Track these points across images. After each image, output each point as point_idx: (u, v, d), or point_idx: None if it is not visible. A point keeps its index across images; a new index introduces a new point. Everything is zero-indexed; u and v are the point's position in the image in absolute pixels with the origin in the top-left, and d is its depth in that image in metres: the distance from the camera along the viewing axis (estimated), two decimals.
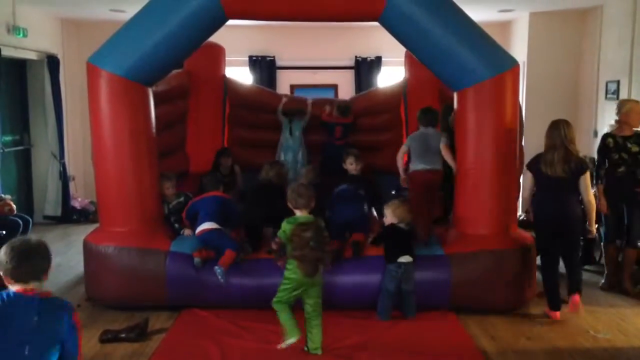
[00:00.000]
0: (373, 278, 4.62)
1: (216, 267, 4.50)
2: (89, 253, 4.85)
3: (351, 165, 5.73)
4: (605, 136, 5.36)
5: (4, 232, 5.60)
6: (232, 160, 6.56)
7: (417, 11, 4.56)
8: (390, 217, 4.68)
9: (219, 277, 4.49)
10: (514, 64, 4.75)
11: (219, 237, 4.71)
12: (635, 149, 5.18)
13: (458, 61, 4.64)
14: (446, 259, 4.67)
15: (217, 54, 7.12)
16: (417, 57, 5.15)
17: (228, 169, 6.50)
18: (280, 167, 5.64)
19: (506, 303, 4.73)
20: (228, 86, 7.20)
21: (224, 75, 7.29)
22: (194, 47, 4.97)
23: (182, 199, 5.42)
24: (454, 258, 4.66)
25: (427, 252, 4.75)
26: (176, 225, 5.25)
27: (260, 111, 7.21)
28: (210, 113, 7.00)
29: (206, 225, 4.74)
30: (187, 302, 4.72)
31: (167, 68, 5.02)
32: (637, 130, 5.28)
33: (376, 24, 4.97)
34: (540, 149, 4.72)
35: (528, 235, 4.93)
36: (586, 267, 5.97)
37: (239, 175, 6.60)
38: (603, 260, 5.76)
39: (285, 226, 3.98)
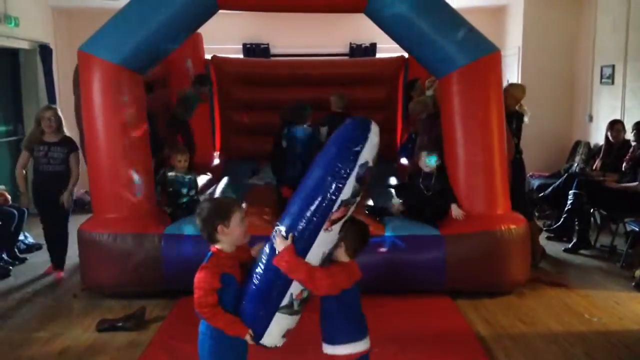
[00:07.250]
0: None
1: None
2: (84, 241, 4.82)
3: None
4: None
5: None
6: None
7: (399, 2, 4.66)
8: None
9: None
10: (493, 49, 4.89)
11: None
12: None
13: (439, 49, 4.76)
14: (441, 239, 4.67)
15: (194, 41, 6.95)
16: (402, 46, 5.27)
17: None
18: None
19: (500, 285, 4.75)
20: (213, 66, 7.08)
21: (206, 60, 7.21)
22: (187, 34, 5.00)
23: (192, 176, 5.42)
24: (449, 238, 4.66)
25: (424, 232, 4.75)
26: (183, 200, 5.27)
27: (256, 85, 7.02)
28: None
29: None
30: (184, 286, 4.68)
31: (161, 55, 5.01)
32: None
33: None
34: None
35: (522, 218, 4.92)
36: (582, 251, 6.00)
37: None
38: (599, 245, 5.78)
39: None
